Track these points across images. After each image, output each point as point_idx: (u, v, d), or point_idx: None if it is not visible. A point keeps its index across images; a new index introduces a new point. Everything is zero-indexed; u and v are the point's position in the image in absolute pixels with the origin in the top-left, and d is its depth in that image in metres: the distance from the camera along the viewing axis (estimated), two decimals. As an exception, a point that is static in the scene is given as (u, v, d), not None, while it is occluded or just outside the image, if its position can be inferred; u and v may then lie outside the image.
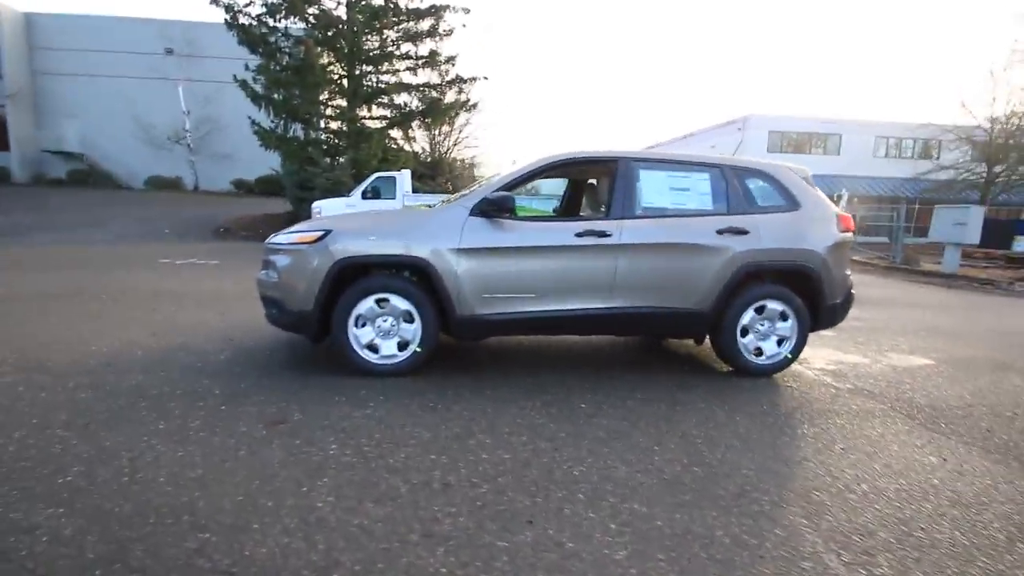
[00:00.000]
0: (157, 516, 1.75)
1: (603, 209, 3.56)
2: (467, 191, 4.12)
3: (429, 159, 20.65)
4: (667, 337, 4.41)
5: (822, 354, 4.34)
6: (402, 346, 3.26)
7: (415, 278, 3.26)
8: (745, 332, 3.54)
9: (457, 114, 19.41)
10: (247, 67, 15.71)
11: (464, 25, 19.56)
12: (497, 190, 3.31)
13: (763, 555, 1.68)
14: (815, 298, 3.59)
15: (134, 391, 2.87)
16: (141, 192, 24.11)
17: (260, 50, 15.58)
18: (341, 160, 17.06)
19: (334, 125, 17.72)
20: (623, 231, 3.34)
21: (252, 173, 24.94)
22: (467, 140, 24.91)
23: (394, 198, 12.18)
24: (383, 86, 17.66)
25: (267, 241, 3.50)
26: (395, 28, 16.78)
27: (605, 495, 2.01)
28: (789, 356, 3.61)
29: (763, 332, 3.58)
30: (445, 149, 23.59)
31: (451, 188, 20.80)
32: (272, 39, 15.90)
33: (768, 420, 2.86)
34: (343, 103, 17.25)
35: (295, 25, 16.16)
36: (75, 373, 3.13)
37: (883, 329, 5.56)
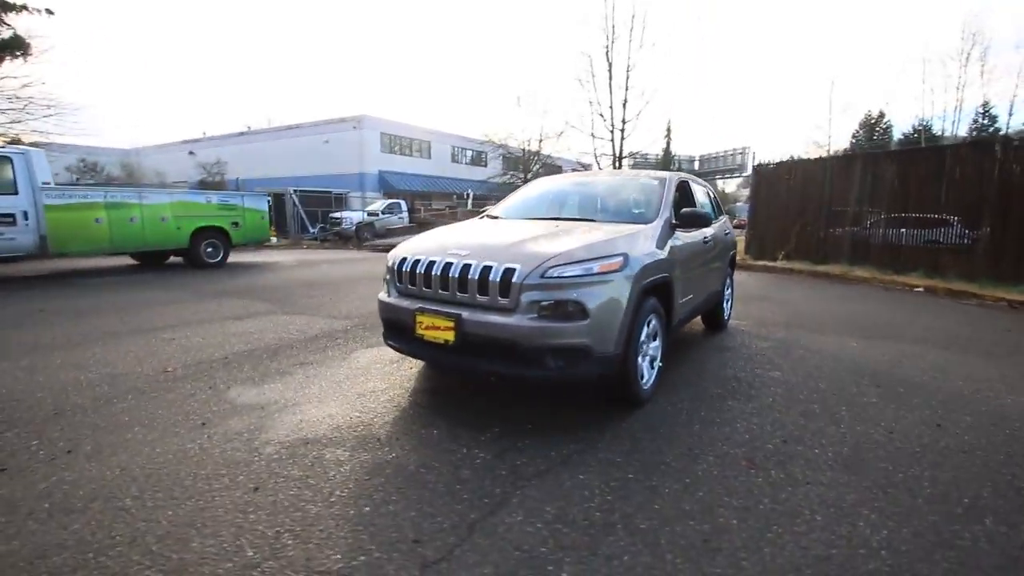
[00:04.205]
0: None
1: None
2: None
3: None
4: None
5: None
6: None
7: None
8: (724, 301, 5.19)
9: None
10: None
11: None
12: (672, 206, 3.62)
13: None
14: (733, 271, 5.61)
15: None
16: None
17: None
18: None
19: None
20: (709, 234, 4.31)
21: None
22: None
23: (16, 192, 7.13)
24: None
25: (531, 276, 2.52)
26: None
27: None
28: (730, 312, 5.52)
29: (726, 299, 5.32)
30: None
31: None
32: None
33: (783, 344, 4.60)
34: None
35: None
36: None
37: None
